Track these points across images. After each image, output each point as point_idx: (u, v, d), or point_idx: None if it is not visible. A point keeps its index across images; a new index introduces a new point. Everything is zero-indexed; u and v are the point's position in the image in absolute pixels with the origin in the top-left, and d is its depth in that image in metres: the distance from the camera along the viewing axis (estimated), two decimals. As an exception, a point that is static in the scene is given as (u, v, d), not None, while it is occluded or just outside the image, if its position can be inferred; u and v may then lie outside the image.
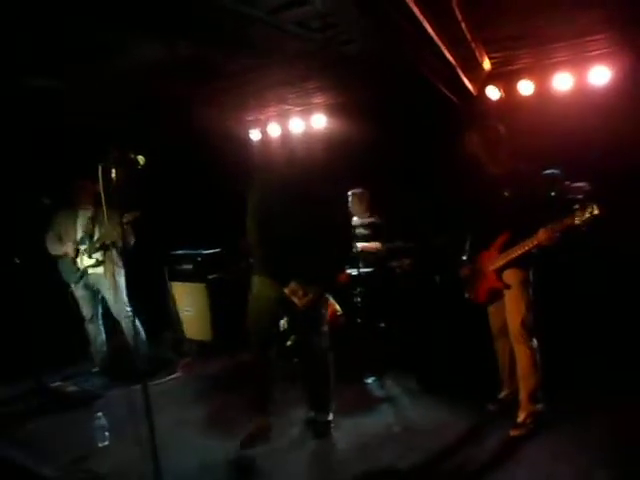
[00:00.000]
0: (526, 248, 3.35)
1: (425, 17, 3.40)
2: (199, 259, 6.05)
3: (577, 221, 3.12)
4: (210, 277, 6.00)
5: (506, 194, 3.41)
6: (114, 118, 5.24)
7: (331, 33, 3.91)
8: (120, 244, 4.94)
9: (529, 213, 3.31)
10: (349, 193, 5.48)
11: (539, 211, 3.31)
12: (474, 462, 3.21)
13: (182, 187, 6.28)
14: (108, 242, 4.94)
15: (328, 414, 3.79)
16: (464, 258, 3.78)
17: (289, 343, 4.82)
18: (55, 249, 5.05)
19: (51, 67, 4.14)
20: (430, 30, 3.55)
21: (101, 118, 5.18)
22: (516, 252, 3.41)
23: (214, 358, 5.65)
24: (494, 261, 3.53)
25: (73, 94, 4.72)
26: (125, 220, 4.92)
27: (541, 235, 3.24)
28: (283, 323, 4.80)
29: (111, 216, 4.84)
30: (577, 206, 3.15)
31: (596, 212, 3.07)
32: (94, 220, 4.99)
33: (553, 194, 4.24)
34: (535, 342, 3.46)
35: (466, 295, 3.78)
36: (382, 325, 5.11)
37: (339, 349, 4.70)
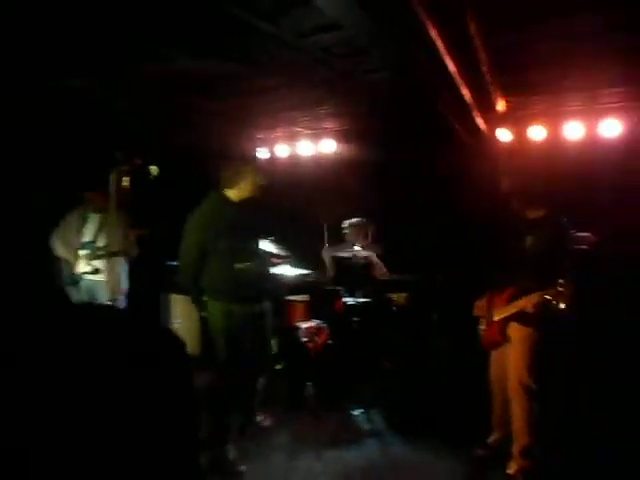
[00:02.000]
0: (515, 308, 3.37)
1: (449, 55, 3.43)
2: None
3: (549, 297, 3.16)
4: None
5: (528, 242, 3.39)
6: (125, 125, 5.22)
7: (353, 61, 3.94)
8: (123, 255, 4.89)
9: (538, 268, 3.30)
10: (346, 223, 5.44)
11: (548, 267, 3.27)
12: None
13: (185, 198, 6.23)
14: (113, 251, 4.87)
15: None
16: (481, 299, 3.73)
17: (279, 367, 4.75)
18: (57, 249, 4.97)
19: (80, 69, 4.13)
20: (452, 68, 3.58)
21: (113, 124, 5.16)
22: (512, 309, 3.41)
23: (199, 372, 5.56)
24: (500, 311, 3.50)
25: (95, 98, 4.71)
26: (132, 235, 4.94)
27: (522, 302, 3.28)
28: (274, 345, 4.76)
29: (119, 225, 4.90)
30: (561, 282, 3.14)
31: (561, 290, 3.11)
32: (101, 227, 4.90)
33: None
34: (532, 402, 3.36)
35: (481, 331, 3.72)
36: (372, 358, 5.05)
37: (327, 378, 4.69)
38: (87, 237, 4.89)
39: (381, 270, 5.30)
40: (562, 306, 3.10)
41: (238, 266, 3.45)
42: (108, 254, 4.79)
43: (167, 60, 3.96)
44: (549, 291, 3.14)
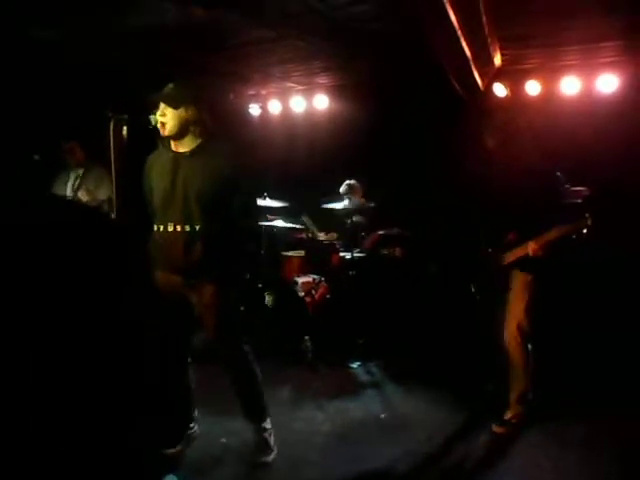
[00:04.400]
0: (519, 255, 3.38)
1: (449, 3, 3.36)
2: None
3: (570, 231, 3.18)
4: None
5: (522, 190, 3.39)
6: (121, 75, 5.09)
7: (351, 10, 3.85)
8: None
9: (536, 214, 3.31)
10: (345, 184, 5.43)
11: (545, 214, 3.30)
12: (458, 454, 3.23)
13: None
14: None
15: (263, 422, 3.17)
16: (480, 250, 3.74)
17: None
18: None
19: (55, 20, 4.02)
20: (453, 18, 3.51)
21: (107, 76, 5.02)
22: (513, 256, 3.43)
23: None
24: (502, 259, 3.51)
25: (80, 50, 4.57)
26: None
27: (531, 246, 3.28)
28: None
29: (101, 180, 4.80)
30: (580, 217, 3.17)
31: (589, 223, 3.12)
32: (81, 183, 4.87)
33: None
34: (529, 346, 3.45)
35: (472, 288, 3.76)
36: (369, 311, 5.10)
37: (325, 332, 4.73)
38: (69, 194, 4.86)
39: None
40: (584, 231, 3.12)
41: (157, 226, 2.92)
42: None
43: (156, 12, 3.86)
44: (561, 229, 3.17)
